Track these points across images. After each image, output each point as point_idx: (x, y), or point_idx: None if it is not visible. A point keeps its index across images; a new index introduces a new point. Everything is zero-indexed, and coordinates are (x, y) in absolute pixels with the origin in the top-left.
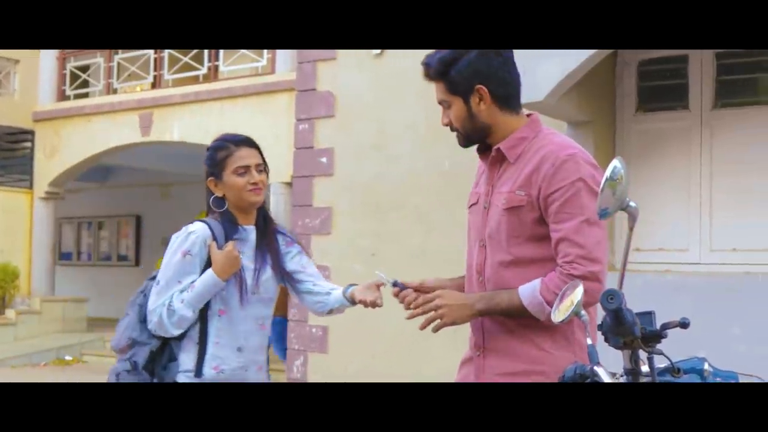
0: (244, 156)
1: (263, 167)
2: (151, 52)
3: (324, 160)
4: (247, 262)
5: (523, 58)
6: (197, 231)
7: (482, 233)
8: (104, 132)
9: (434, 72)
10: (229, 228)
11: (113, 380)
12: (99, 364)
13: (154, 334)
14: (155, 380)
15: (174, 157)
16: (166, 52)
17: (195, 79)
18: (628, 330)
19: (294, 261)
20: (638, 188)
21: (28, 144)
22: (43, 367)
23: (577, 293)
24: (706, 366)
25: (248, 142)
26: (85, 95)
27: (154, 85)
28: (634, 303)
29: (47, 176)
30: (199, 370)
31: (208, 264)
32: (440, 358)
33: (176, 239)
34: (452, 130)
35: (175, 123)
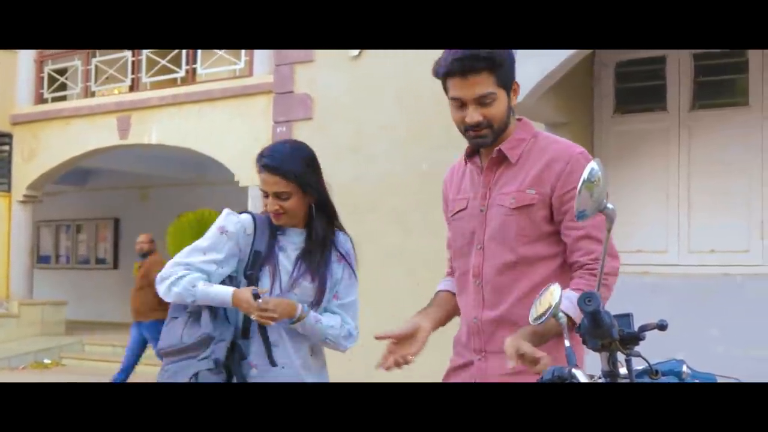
0: (264, 180)
1: (287, 195)
2: (128, 54)
3: None
4: (286, 263)
5: None
6: (241, 217)
7: (480, 236)
8: (82, 135)
9: (485, 63)
10: (272, 225)
11: (187, 380)
12: (78, 368)
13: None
14: (235, 378)
15: (152, 159)
16: (144, 55)
17: (173, 82)
18: (606, 332)
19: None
20: (616, 190)
21: (6, 147)
22: (22, 371)
23: (555, 295)
24: (684, 368)
25: (268, 168)
26: (63, 98)
27: (132, 88)
28: (612, 304)
29: (25, 179)
30: (272, 360)
31: (249, 257)
32: (421, 360)
33: (221, 217)
34: (480, 128)
35: (153, 126)
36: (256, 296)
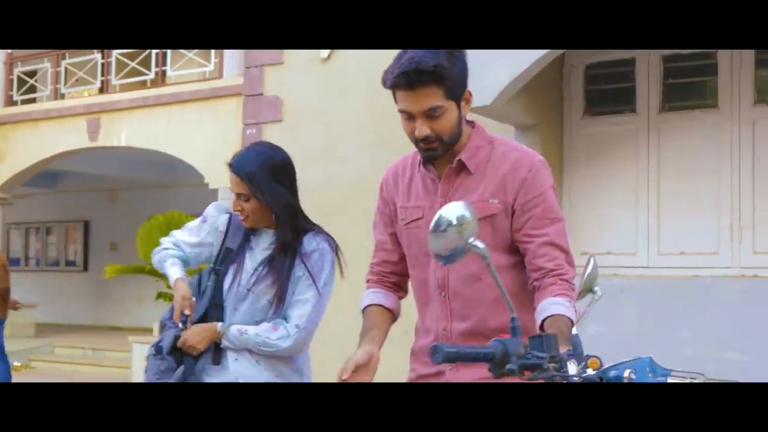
0: (230, 179)
1: (247, 197)
2: (98, 56)
3: None
4: (250, 264)
5: (471, 61)
6: (222, 213)
7: None
8: (52, 137)
9: (432, 77)
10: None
11: (145, 366)
12: (48, 370)
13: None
14: (183, 367)
15: (122, 162)
16: (114, 57)
17: (142, 84)
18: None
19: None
20: (585, 192)
21: None
22: None
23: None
24: (626, 374)
25: (231, 168)
26: (33, 100)
27: (101, 90)
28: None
29: None
30: (216, 358)
31: (219, 253)
32: (385, 361)
33: (208, 207)
34: (429, 142)
35: (122, 128)
36: (184, 322)
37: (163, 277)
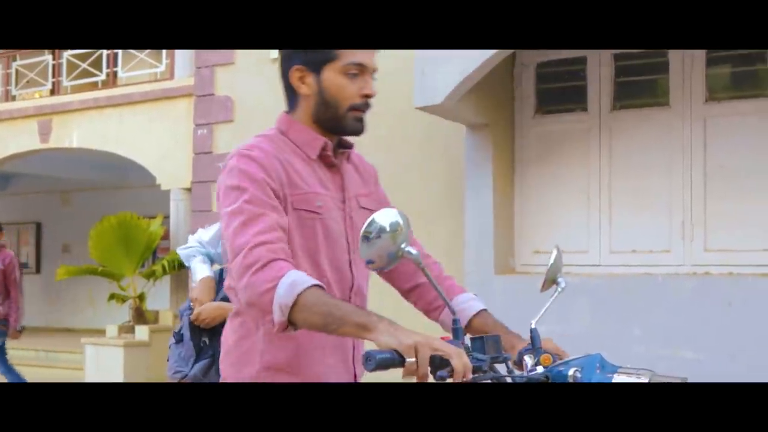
0: None
1: None
2: (49, 58)
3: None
4: None
5: (422, 60)
6: None
7: (350, 244)
8: (3, 139)
9: None
10: None
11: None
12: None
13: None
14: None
15: (74, 163)
16: (65, 59)
17: (94, 86)
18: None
19: None
20: (537, 190)
21: None
22: None
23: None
24: (571, 372)
25: None
26: None
27: (53, 92)
28: (533, 306)
29: None
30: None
31: None
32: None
33: None
34: (368, 107)
35: (74, 129)
36: (191, 306)
37: (115, 278)
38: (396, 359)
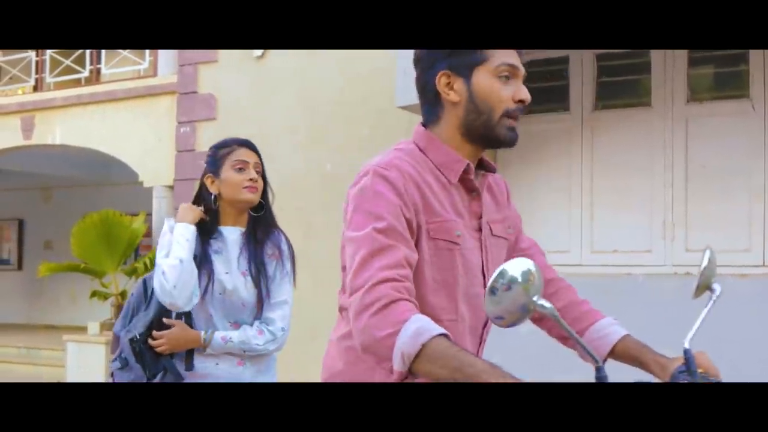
0: (243, 154)
1: (262, 171)
2: (32, 54)
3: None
4: (221, 263)
5: (406, 59)
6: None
7: (486, 276)
8: None
9: None
10: (203, 230)
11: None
12: None
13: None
14: (168, 374)
15: (56, 160)
16: (48, 55)
17: (77, 82)
18: None
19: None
20: (518, 190)
21: None
22: None
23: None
24: None
25: (249, 145)
26: None
27: (35, 88)
28: None
29: None
30: (189, 364)
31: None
32: None
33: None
34: (520, 113)
35: (57, 126)
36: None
37: (97, 275)
38: None
